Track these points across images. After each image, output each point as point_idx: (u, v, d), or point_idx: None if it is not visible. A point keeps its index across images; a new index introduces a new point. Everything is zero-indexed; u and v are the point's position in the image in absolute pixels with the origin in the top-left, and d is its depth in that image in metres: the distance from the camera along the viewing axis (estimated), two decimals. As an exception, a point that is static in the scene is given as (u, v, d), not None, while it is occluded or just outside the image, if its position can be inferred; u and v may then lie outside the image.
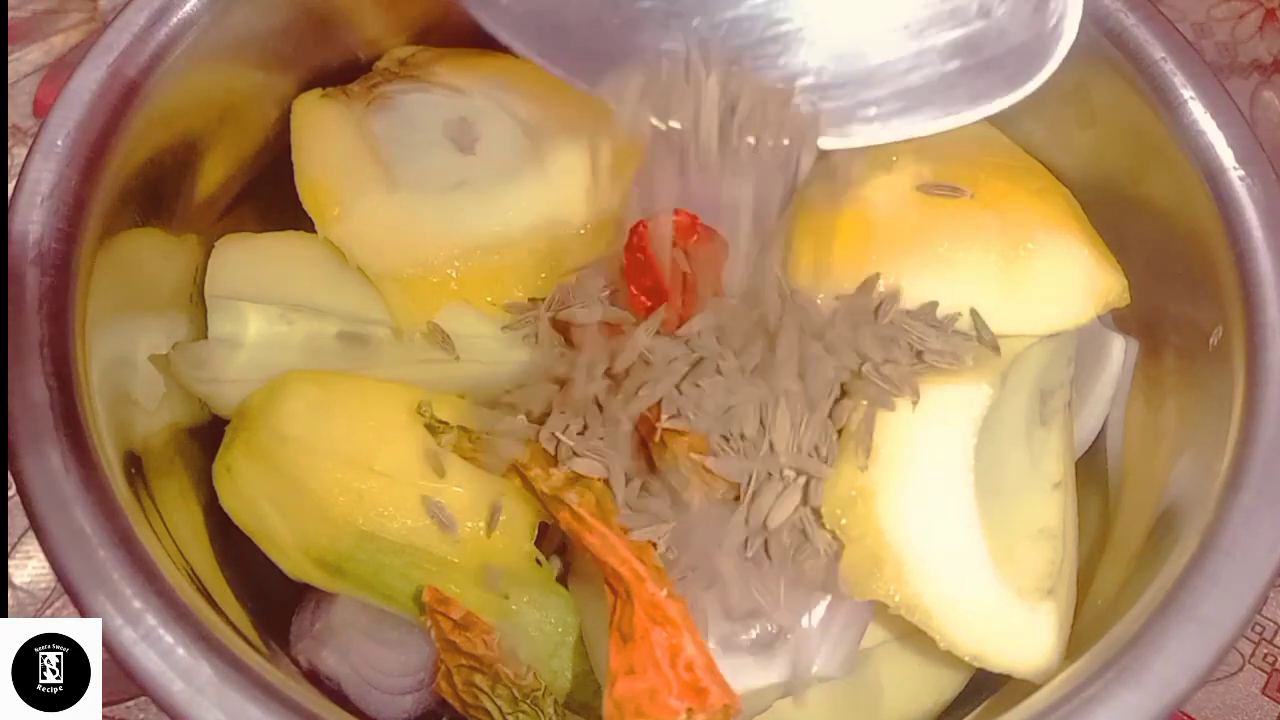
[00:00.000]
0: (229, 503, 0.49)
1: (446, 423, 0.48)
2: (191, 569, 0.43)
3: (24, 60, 0.74)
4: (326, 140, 0.52)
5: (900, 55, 0.43)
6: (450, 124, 0.52)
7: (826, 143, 0.43)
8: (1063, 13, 0.43)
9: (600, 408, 0.47)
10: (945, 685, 0.50)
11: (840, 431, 0.45)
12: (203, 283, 0.51)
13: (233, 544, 0.49)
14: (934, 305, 0.47)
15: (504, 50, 0.45)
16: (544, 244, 0.50)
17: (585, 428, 0.46)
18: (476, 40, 0.56)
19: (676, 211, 0.49)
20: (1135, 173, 0.50)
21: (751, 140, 0.43)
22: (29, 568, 0.62)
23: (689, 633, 0.43)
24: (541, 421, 0.47)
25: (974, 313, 0.47)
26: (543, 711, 0.46)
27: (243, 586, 0.48)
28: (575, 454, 0.46)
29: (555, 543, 0.52)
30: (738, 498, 0.44)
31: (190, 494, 0.50)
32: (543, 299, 0.51)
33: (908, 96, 0.43)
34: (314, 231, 0.50)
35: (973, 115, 0.43)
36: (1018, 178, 0.51)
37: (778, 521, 0.44)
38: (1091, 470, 0.53)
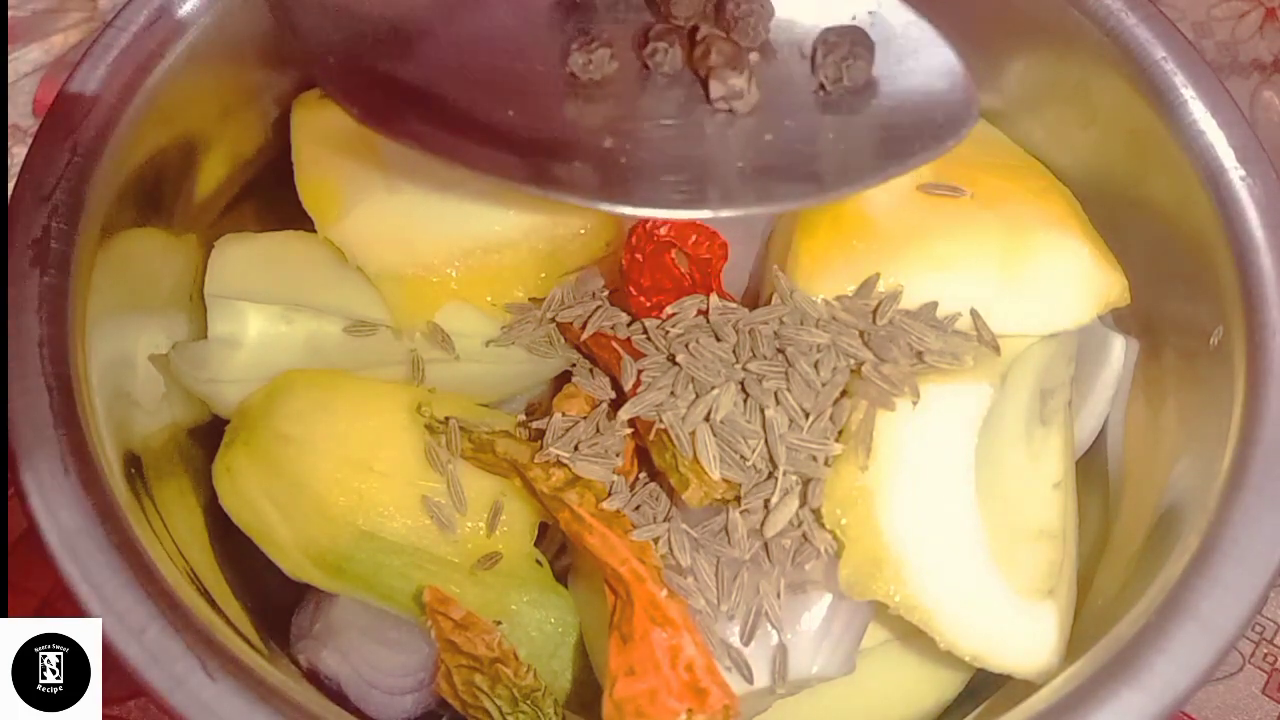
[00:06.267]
0: (229, 503, 0.49)
1: (446, 422, 0.48)
2: (191, 569, 0.43)
3: (24, 60, 0.74)
4: (326, 140, 0.52)
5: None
6: (450, 124, 0.52)
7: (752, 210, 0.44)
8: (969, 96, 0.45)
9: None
10: (945, 685, 0.50)
11: (840, 432, 0.45)
12: (203, 282, 0.51)
13: (233, 544, 0.49)
14: (934, 305, 0.47)
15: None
16: (544, 244, 0.50)
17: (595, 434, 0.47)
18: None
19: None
20: (1135, 173, 0.50)
21: None
22: (29, 568, 0.62)
23: (689, 633, 0.43)
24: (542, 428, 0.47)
25: (974, 313, 0.47)
26: (543, 711, 0.46)
27: (243, 586, 0.48)
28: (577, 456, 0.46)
29: (555, 543, 0.52)
30: (738, 498, 0.44)
31: (190, 494, 0.50)
32: (543, 299, 0.51)
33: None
34: (314, 231, 0.50)
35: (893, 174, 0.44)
36: (1018, 178, 0.51)
37: (778, 526, 0.44)
38: (1091, 470, 0.53)
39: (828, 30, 0.46)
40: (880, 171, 0.43)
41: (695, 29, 0.45)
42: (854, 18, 0.46)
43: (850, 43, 0.45)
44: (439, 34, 0.45)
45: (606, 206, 0.41)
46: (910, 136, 0.44)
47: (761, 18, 0.46)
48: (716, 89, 0.43)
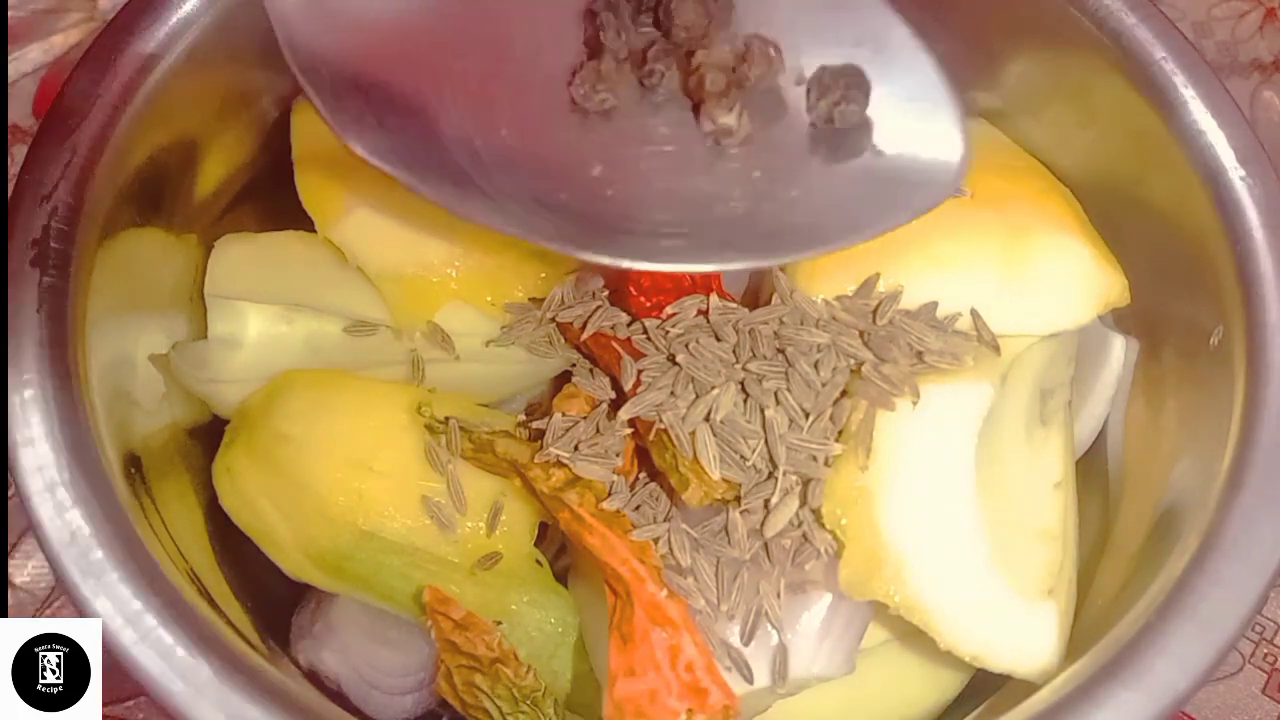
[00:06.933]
0: (229, 503, 0.49)
1: (446, 422, 0.48)
2: (191, 569, 0.43)
3: (24, 60, 0.74)
4: (326, 140, 0.52)
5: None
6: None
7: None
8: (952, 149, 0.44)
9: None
10: (945, 685, 0.50)
11: (840, 432, 0.45)
12: (203, 282, 0.51)
13: (233, 544, 0.49)
14: (934, 305, 0.47)
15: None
16: (544, 244, 0.50)
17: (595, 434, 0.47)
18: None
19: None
20: (1135, 173, 0.50)
21: None
22: (29, 568, 0.62)
23: (689, 633, 0.43)
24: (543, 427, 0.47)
25: (974, 313, 0.47)
26: (543, 712, 0.46)
27: (243, 586, 0.48)
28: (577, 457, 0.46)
29: (555, 543, 0.52)
30: (738, 498, 0.44)
31: (190, 494, 0.50)
32: (543, 299, 0.51)
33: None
34: (314, 231, 0.50)
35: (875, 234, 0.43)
36: (1018, 178, 0.51)
37: (778, 526, 0.44)
38: (1091, 470, 0.53)
39: (824, 70, 0.44)
40: (858, 232, 0.42)
41: (691, 53, 0.45)
42: (857, 46, 0.45)
43: (845, 85, 0.44)
44: (438, 38, 0.45)
45: (592, 257, 0.40)
46: (894, 192, 0.43)
47: (773, 76, 0.45)
48: (706, 125, 0.43)
